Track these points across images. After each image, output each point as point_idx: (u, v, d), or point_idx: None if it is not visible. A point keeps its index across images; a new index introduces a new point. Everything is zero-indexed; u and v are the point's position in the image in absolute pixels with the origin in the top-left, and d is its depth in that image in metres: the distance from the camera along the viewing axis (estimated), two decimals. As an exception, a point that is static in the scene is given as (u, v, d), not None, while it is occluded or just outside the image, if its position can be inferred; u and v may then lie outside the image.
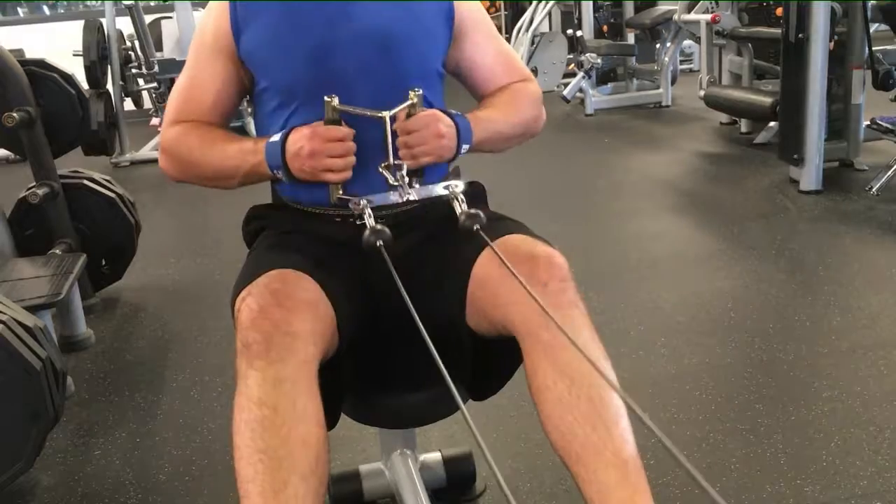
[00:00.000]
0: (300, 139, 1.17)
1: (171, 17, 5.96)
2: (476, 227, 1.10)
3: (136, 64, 5.64)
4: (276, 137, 1.21)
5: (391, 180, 1.19)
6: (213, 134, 1.30)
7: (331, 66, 1.24)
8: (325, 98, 1.17)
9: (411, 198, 1.19)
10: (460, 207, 1.15)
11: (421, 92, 1.20)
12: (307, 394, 1.04)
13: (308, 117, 1.22)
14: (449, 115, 1.24)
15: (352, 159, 1.18)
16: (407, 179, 1.19)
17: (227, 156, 1.27)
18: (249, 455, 1.01)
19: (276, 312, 1.05)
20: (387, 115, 1.19)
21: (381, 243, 1.04)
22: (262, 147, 1.22)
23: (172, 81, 6.29)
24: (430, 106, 1.27)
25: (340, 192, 1.21)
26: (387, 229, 1.06)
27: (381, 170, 1.20)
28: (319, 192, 1.23)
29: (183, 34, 5.65)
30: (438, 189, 1.20)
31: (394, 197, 1.19)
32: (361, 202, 1.15)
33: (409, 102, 1.20)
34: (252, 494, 0.99)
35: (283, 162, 1.19)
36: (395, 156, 1.20)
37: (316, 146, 1.16)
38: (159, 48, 5.98)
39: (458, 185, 1.19)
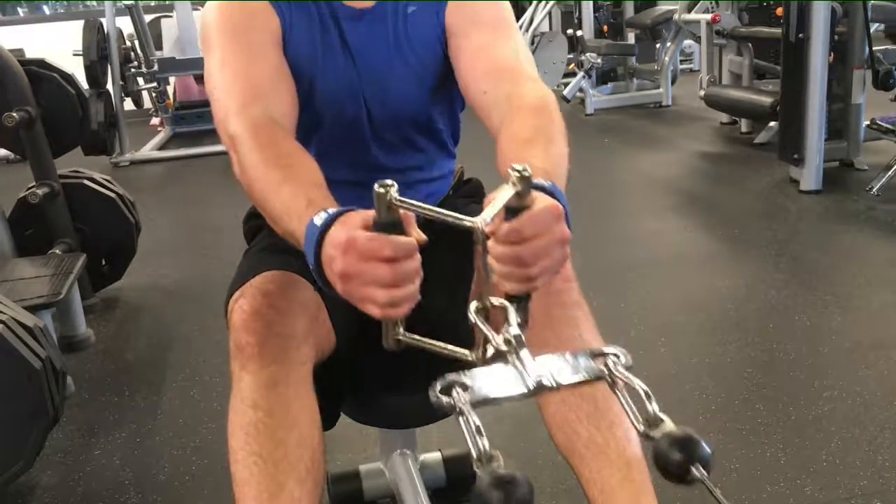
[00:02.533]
0: (334, 246, 0.79)
1: (170, 17, 5.96)
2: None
3: (135, 63, 5.63)
4: (319, 220, 0.82)
5: (489, 333, 0.70)
6: (281, 149, 1.01)
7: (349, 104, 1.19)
8: (377, 188, 0.73)
9: (532, 381, 0.65)
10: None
11: (529, 172, 0.75)
12: (302, 395, 1.04)
13: (335, 142, 1.15)
14: (544, 190, 0.83)
15: (409, 290, 0.78)
16: (516, 333, 0.68)
17: (278, 198, 0.94)
18: (244, 458, 1.00)
19: (269, 314, 1.04)
20: (480, 222, 0.73)
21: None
22: (308, 220, 0.85)
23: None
24: (434, 130, 1.24)
25: (401, 332, 0.80)
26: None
27: (473, 317, 0.74)
28: None
29: (183, 33, 5.65)
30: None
31: (509, 386, 0.65)
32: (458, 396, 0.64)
33: (510, 191, 0.74)
34: (248, 498, 0.99)
35: (317, 264, 0.83)
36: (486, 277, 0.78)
37: (350, 266, 0.77)
38: (159, 47, 5.97)
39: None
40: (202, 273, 3.17)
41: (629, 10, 6.74)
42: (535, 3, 6.65)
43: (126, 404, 2.18)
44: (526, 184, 0.73)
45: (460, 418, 0.61)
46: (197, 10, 5.61)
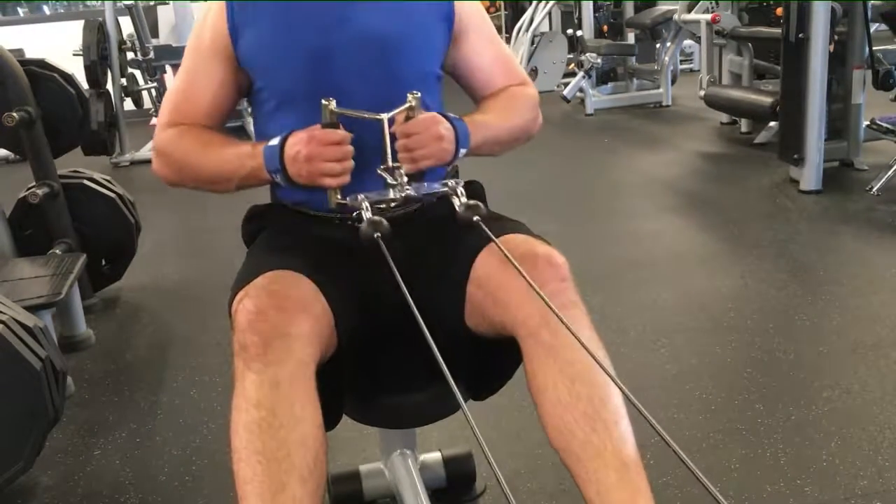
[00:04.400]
0: (297, 143, 1.15)
1: (167, 4, 5.93)
2: (476, 218, 1.08)
3: (129, 46, 5.57)
4: (275, 141, 1.18)
5: (389, 180, 1.17)
6: (209, 137, 1.29)
7: (328, 70, 1.24)
8: (323, 101, 1.15)
9: (410, 194, 1.16)
10: (459, 201, 1.13)
11: (419, 95, 1.18)
12: (305, 395, 1.04)
13: (307, 120, 1.20)
14: (447, 118, 1.22)
15: (349, 163, 1.16)
16: (405, 179, 1.17)
17: (224, 159, 1.25)
18: (247, 457, 1.01)
19: (273, 314, 1.05)
20: (385, 116, 1.18)
21: (379, 234, 1.02)
22: (261, 151, 1.20)
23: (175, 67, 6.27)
24: (428, 109, 1.26)
25: (338, 196, 1.19)
26: (384, 221, 1.04)
27: (380, 172, 1.18)
28: (319, 195, 1.22)
29: (179, 21, 5.64)
30: (436, 185, 1.19)
31: (392, 193, 1.17)
32: (359, 197, 1.13)
33: (407, 105, 1.18)
34: (250, 496, 0.99)
35: (282, 166, 1.17)
36: (394, 159, 1.18)
37: (313, 150, 1.14)
38: (155, 34, 5.94)
39: (457, 181, 1.17)
40: (202, 273, 3.18)
41: (629, 10, 6.74)
42: (535, 3, 6.65)
43: (126, 404, 2.18)
44: (417, 101, 1.18)
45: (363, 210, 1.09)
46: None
